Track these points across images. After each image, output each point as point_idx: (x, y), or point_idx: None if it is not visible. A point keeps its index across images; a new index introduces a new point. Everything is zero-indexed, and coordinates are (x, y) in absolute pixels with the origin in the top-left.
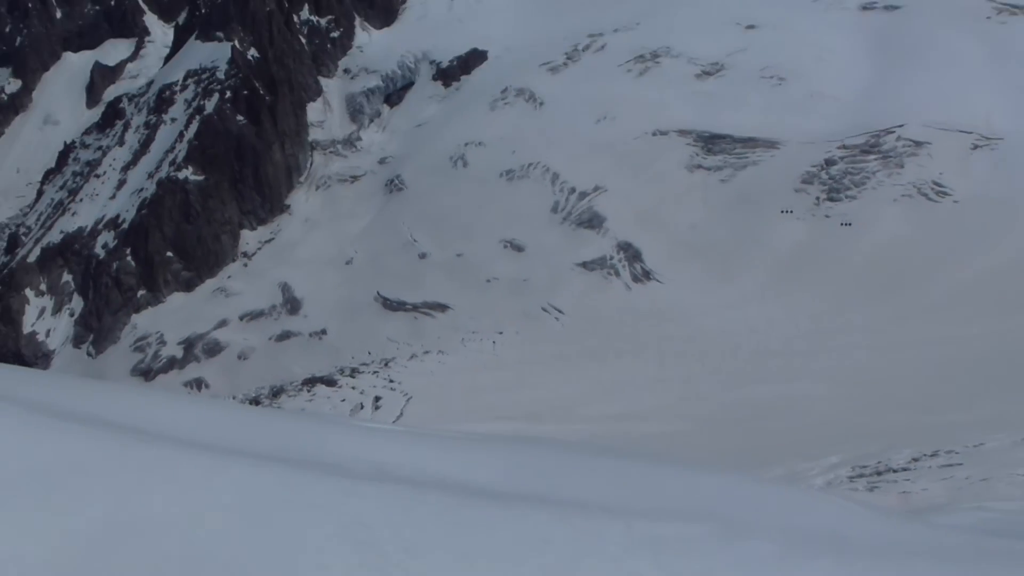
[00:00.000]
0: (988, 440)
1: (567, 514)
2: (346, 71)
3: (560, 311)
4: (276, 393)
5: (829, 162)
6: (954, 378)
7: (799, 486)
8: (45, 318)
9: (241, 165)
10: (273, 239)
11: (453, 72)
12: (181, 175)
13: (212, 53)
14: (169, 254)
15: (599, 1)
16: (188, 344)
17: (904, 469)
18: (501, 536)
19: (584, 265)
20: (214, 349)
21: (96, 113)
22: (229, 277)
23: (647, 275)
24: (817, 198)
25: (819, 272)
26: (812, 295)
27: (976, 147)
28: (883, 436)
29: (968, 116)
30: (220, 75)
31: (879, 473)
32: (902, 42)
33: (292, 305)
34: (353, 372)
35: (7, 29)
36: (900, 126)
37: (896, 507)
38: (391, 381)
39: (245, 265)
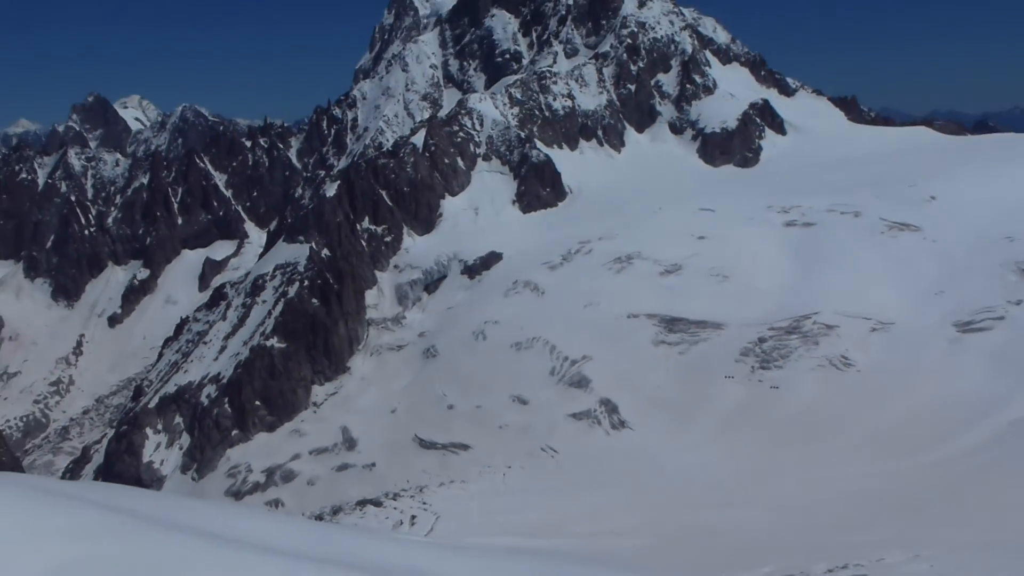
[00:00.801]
0: (887, 556)
1: None
2: (396, 266)
3: (555, 451)
4: (336, 511)
5: (761, 340)
6: (859, 507)
7: None
8: (160, 451)
9: (314, 336)
10: (336, 393)
11: (476, 268)
12: (268, 343)
13: (295, 252)
14: (257, 403)
15: (587, 217)
16: (269, 472)
17: None
18: None
19: (574, 416)
20: (289, 476)
21: (205, 296)
22: (302, 421)
23: (622, 424)
24: (752, 367)
25: (754, 424)
26: (749, 442)
27: (874, 330)
28: (805, 551)
29: (867, 306)
30: (300, 268)
31: None
32: (816, 250)
33: (350, 443)
34: (395, 496)
35: (140, 231)
36: (816, 313)
37: None
38: (424, 503)
39: (315, 412)
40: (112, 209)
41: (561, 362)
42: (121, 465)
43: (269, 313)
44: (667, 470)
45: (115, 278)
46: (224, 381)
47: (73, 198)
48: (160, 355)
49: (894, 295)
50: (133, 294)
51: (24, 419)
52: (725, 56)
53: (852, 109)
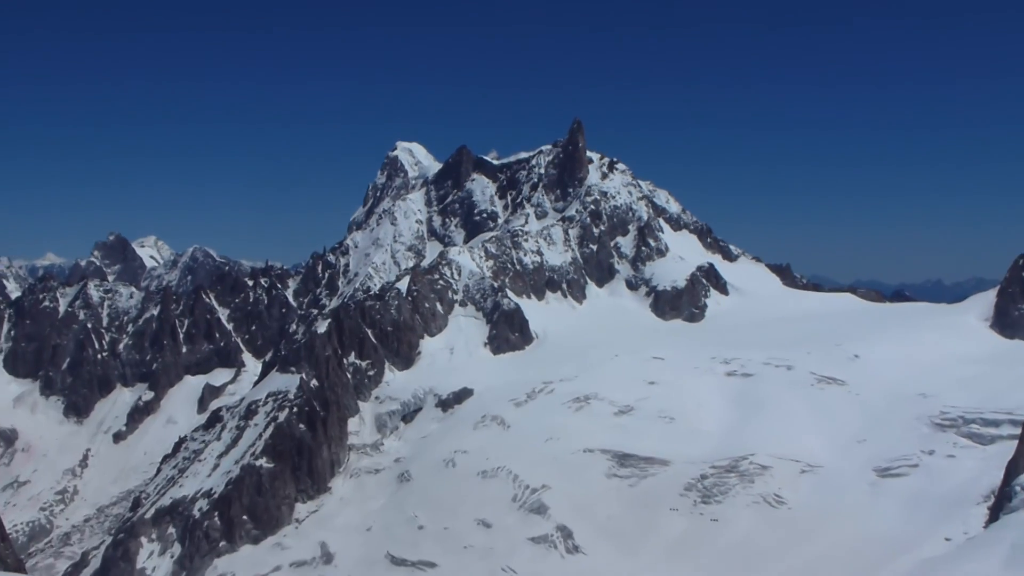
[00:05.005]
0: None
1: None
2: (376, 398)
3: (515, 571)
4: None
5: (703, 477)
6: None
7: None
8: (153, 558)
9: (299, 458)
10: (318, 511)
11: (449, 402)
12: (257, 463)
13: (286, 381)
14: (244, 517)
15: (551, 360)
16: None
17: None
18: None
19: (533, 539)
20: None
21: (203, 418)
22: (285, 536)
23: (576, 549)
24: (695, 501)
25: (696, 554)
26: (691, 570)
27: (803, 472)
28: None
29: (798, 450)
30: (291, 396)
31: None
32: (754, 398)
33: (327, 558)
34: None
35: (148, 357)
36: (752, 455)
37: None
38: None
39: (296, 528)
40: (124, 336)
41: (522, 490)
42: (116, 571)
43: (260, 435)
44: None
45: (122, 399)
46: (215, 496)
47: (89, 325)
48: (159, 470)
49: (821, 441)
50: (138, 414)
51: (30, 524)
52: (676, 224)
53: (786, 275)
